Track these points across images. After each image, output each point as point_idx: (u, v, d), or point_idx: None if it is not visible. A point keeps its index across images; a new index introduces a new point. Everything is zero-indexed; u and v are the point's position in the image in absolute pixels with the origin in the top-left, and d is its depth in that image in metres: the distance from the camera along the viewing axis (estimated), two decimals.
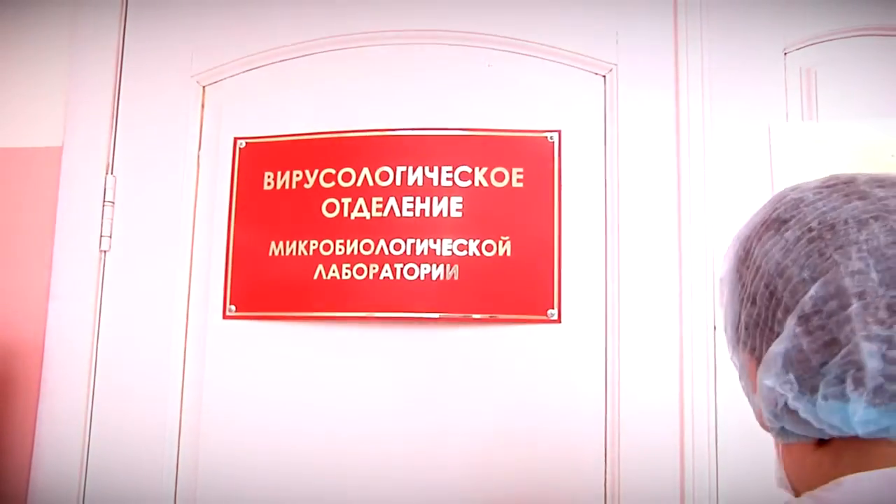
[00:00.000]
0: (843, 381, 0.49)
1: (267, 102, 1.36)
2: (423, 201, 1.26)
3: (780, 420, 0.54)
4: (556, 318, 1.22)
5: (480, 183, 1.26)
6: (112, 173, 1.37)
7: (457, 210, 1.25)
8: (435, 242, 1.24)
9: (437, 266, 1.24)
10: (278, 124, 1.34)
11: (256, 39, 1.37)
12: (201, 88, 1.39)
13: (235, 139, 1.35)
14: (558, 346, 1.23)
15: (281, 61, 1.37)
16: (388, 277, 1.25)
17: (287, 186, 1.31)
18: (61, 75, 1.38)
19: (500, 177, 1.25)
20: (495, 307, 1.23)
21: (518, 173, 1.25)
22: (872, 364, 0.48)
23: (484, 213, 1.25)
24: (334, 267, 1.27)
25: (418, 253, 1.25)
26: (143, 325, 1.33)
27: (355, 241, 1.27)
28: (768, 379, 0.53)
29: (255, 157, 1.34)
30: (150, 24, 1.41)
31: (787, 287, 0.53)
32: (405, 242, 1.25)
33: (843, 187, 0.55)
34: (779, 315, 0.53)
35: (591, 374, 1.22)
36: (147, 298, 1.34)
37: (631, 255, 1.23)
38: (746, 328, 0.57)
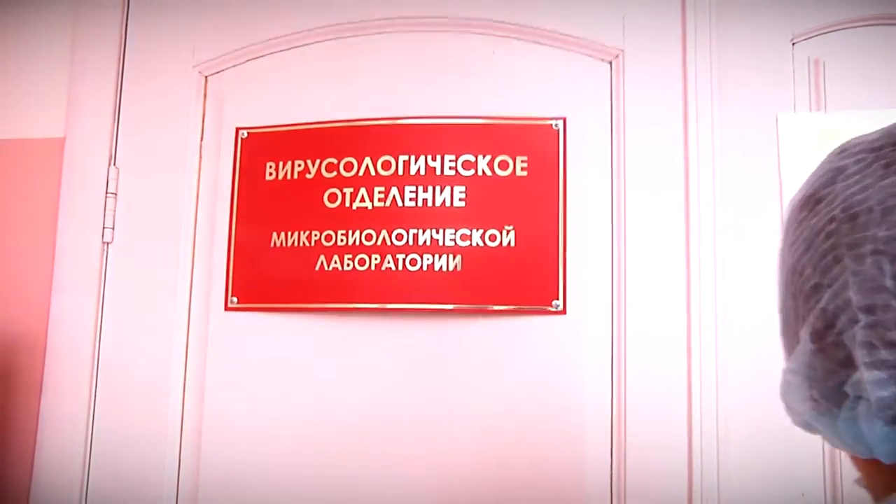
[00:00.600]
0: (857, 407, 0.43)
1: (269, 92, 1.35)
2: (425, 191, 1.24)
3: (812, 432, 0.48)
4: (560, 309, 1.20)
5: (484, 172, 1.23)
6: (115, 164, 1.36)
7: (460, 199, 1.23)
8: (437, 232, 1.22)
9: (440, 257, 1.22)
10: (280, 114, 1.33)
11: (258, 29, 1.36)
12: (203, 78, 1.38)
13: (237, 129, 1.34)
14: (563, 337, 1.21)
15: (283, 50, 1.35)
16: (390, 268, 1.23)
17: (289, 176, 1.30)
18: (64, 66, 1.38)
19: (503, 165, 1.23)
20: (499, 298, 1.21)
21: (522, 162, 1.23)
22: (880, 394, 0.41)
23: (487, 203, 1.23)
24: (336, 258, 1.25)
25: (420, 243, 1.23)
26: (145, 317, 1.32)
27: (357, 232, 1.25)
28: (788, 396, 0.48)
29: (257, 148, 1.33)
30: (153, 15, 1.40)
31: (802, 290, 0.46)
32: (407, 233, 1.23)
33: (890, 152, 0.45)
34: (797, 323, 0.47)
35: (596, 366, 1.20)
36: (150, 290, 1.33)
37: (638, 244, 1.20)
38: (781, 325, 0.51)
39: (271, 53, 1.36)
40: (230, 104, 1.36)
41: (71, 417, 1.30)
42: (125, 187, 1.36)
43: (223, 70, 1.38)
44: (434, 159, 1.24)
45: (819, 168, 0.49)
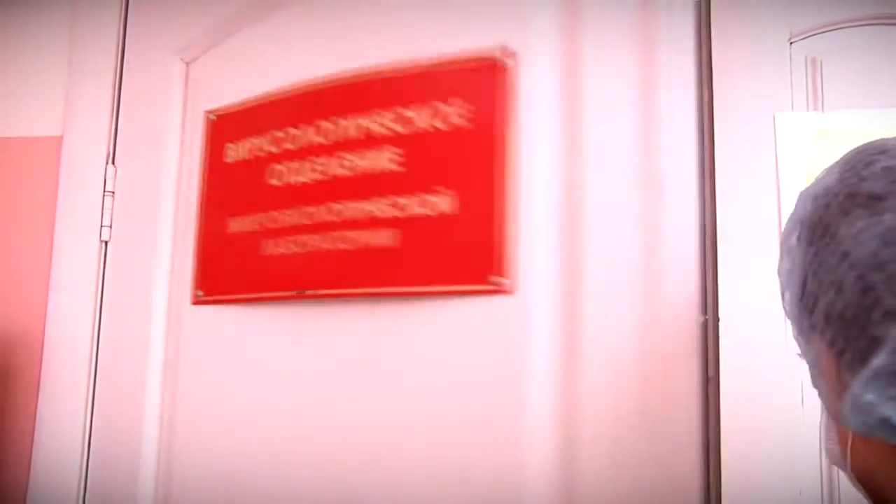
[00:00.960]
0: None
1: (233, 71, 1.27)
2: (362, 157, 1.06)
3: (874, 431, 0.45)
4: (508, 288, 0.95)
5: (419, 126, 1.02)
6: (113, 163, 1.35)
7: (393, 162, 1.03)
8: (369, 203, 1.04)
9: (372, 232, 1.03)
10: (239, 93, 1.23)
11: (224, 9, 1.28)
12: (185, 66, 1.33)
13: (205, 113, 1.27)
14: (511, 320, 0.96)
15: (247, 27, 1.26)
16: (328, 249, 1.07)
17: (243, 157, 1.19)
18: (62, 64, 1.38)
19: (442, 116, 1.01)
20: (437, 277, 0.99)
21: (464, 109, 1.00)
22: None
23: (423, 164, 1.02)
24: (280, 241, 1.12)
25: (353, 217, 1.05)
26: (143, 314, 1.28)
27: (295, 210, 1.10)
28: (870, 393, 0.44)
29: (222, 130, 1.24)
30: (150, 12, 1.38)
31: (889, 286, 0.44)
32: (343, 206, 1.06)
33: None
34: (876, 316, 0.44)
35: (547, 355, 0.94)
36: (147, 288, 1.29)
37: (600, 209, 0.93)
38: (827, 318, 0.48)
39: (236, 32, 1.27)
40: (205, 89, 1.30)
41: (68, 415, 1.29)
42: (123, 186, 1.34)
43: (201, 55, 1.32)
44: (365, 117, 1.06)
45: (852, 164, 0.49)
